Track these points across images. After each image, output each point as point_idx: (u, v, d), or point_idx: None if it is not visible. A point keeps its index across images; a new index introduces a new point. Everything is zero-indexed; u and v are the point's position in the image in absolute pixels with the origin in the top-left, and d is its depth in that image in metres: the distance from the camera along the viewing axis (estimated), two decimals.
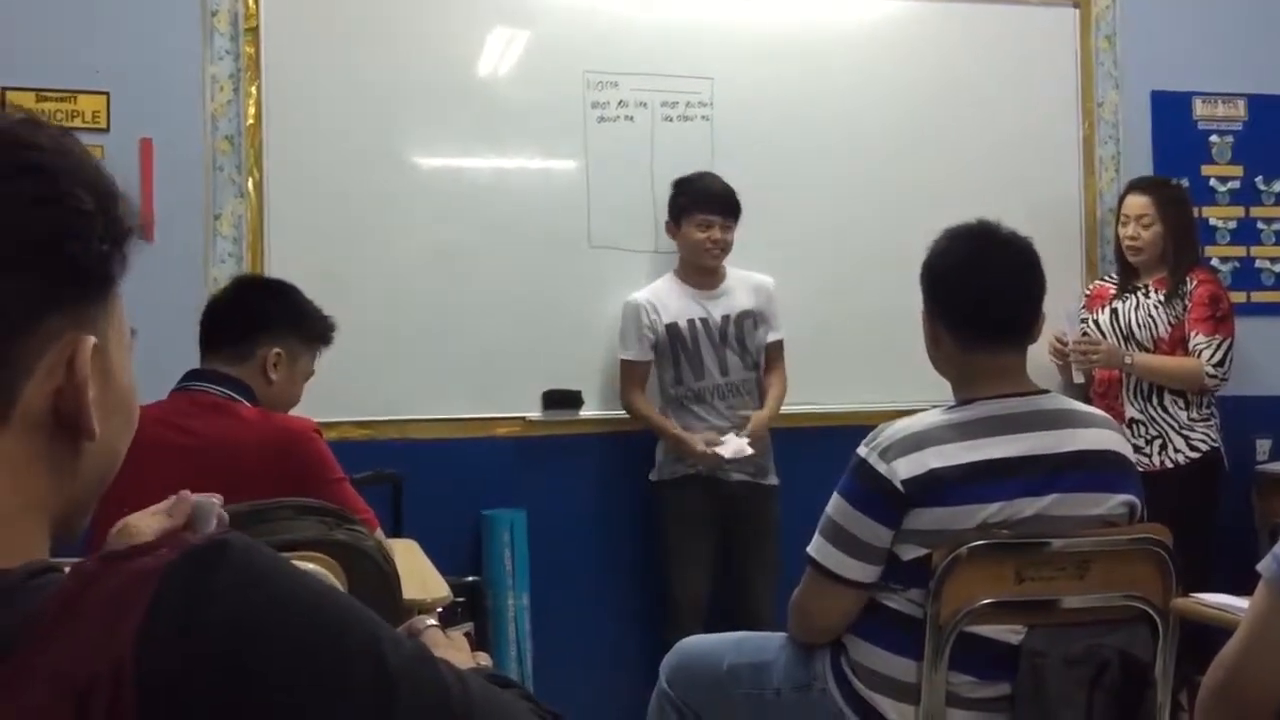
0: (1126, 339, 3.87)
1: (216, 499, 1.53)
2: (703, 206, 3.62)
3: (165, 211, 3.51)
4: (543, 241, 3.84)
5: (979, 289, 2.12)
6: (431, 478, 3.67)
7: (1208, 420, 3.82)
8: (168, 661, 0.67)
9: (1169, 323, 3.83)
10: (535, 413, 3.83)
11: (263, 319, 2.42)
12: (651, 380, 3.75)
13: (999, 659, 2.01)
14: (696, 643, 2.49)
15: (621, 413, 3.80)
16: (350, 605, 0.76)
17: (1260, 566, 1.30)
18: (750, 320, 3.71)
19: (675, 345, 3.66)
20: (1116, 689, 1.99)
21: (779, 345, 3.79)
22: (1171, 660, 2.07)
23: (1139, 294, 3.90)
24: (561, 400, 3.83)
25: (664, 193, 3.79)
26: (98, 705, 0.67)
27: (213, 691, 0.67)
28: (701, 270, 3.69)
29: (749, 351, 3.70)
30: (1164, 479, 3.67)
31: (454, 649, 1.11)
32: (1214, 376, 3.76)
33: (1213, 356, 3.75)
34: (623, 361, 3.71)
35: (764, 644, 2.32)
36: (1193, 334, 3.79)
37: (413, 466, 3.65)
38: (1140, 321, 3.86)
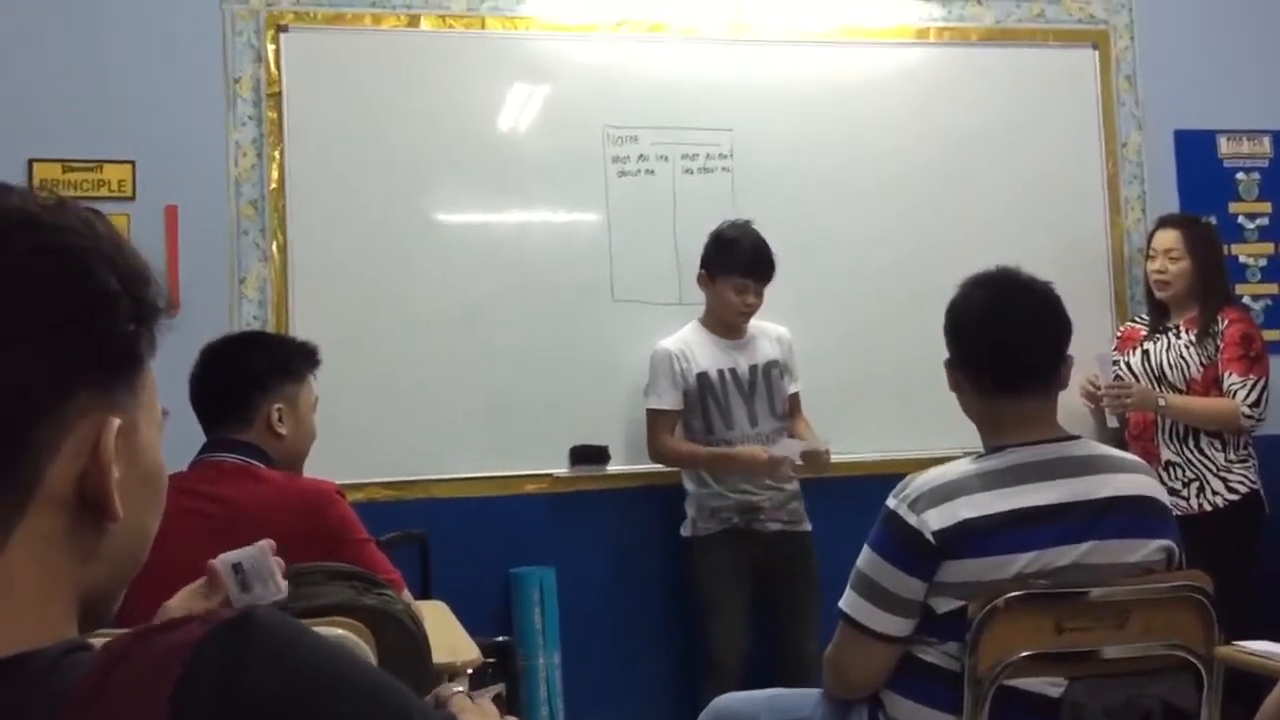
0: (1158, 380, 3.82)
1: (266, 543, 1.51)
2: (740, 269, 3.59)
3: (191, 277, 3.54)
4: (566, 296, 3.85)
5: (997, 336, 2.11)
6: (459, 537, 3.65)
7: (1245, 461, 3.76)
8: None
9: (1201, 363, 3.78)
10: (562, 469, 3.81)
11: (248, 380, 2.36)
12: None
13: (1039, 712, 1.97)
14: (731, 700, 2.46)
15: (649, 466, 3.77)
16: (379, 678, 0.75)
17: None
18: (776, 370, 3.70)
19: (705, 395, 3.64)
20: None
21: (798, 397, 3.78)
22: (1216, 709, 2.02)
23: (1170, 334, 3.86)
24: (589, 456, 3.81)
25: (687, 245, 3.79)
26: None
27: None
28: (729, 325, 3.69)
29: (777, 401, 3.68)
30: (1203, 522, 3.61)
31: (481, 714, 1.09)
32: (1250, 417, 3.71)
33: (1248, 396, 3.70)
34: (652, 411, 3.67)
35: (800, 701, 2.28)
36: (1227, 374, 3.74)
37: (440, 526, 3.63)
38: (1172, 362, 3.81)
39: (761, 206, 3.82)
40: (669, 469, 3.75)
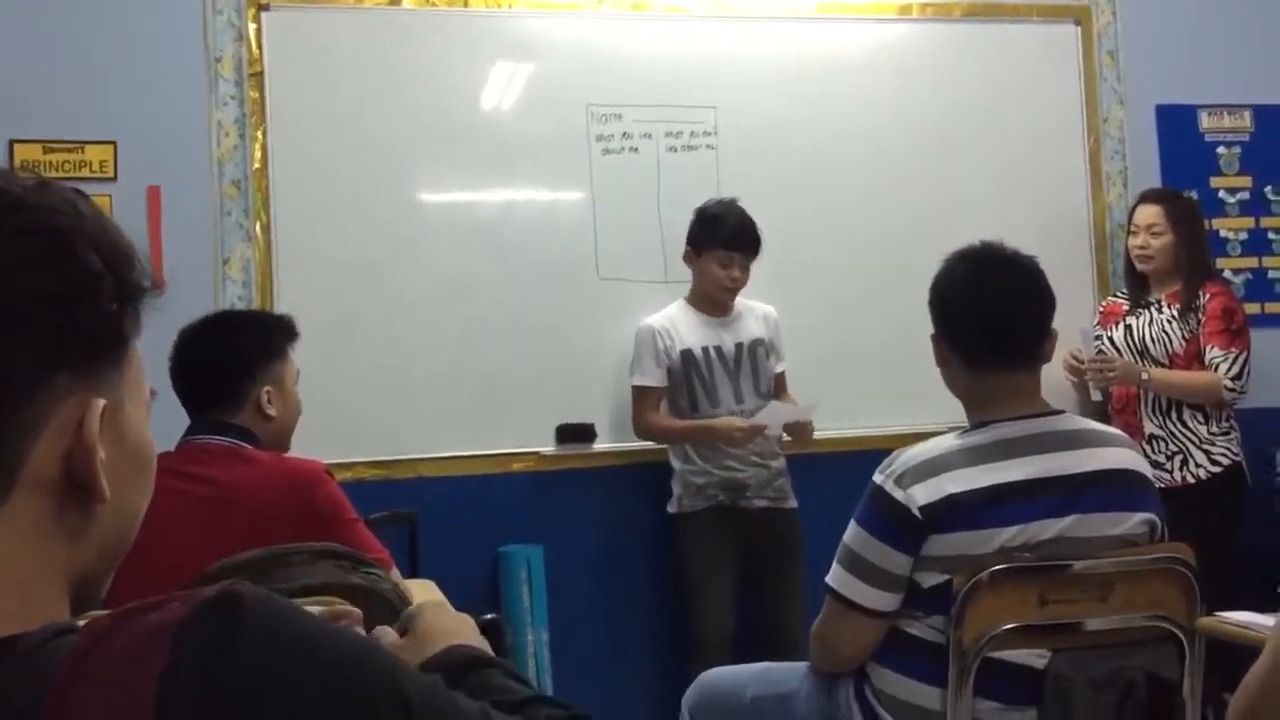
0: (1141, 354, 3.85)
1: None
2: (724, 243, 3.58)
3: (174, 258, 3.52)
4: (551, 274, 3.85)
5: (982, 310, 2.12)
6: (447, 515, 3.66)
7: (1228, 434, 3.79)
8: None
9: (1184, 337, 3.80)
10: (549, 447, 3.82)
11: (236, 366, 2.35)
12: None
13: (1024, 684, 1.99)
14: (719, 675, 2.48)
15: (636, 444, 3.78)
16: (367, 648, 0.75)
17: None
18: (762, 349, 3.70)
19: (690, 373, 3.64)
20: (1143, 710, 1.97)
21: (784, 376, 3.79)
22: (1199, 679, 2.04)
23: (1152, 309, 3.88)
24: (575, 434, 3.82)
25: (671, 222, 3.79)
26: None
27: None
28: (715, 301, 3.69)
29: (761, 380, 3.69)
30: (1186, 494, 3.64)
31: (462, 623, 1.09)
32: (1232, 390, 3.73)
33: (1230, 369, 3.73)
34: (636, 388, 3.68)
35: (787, 675, 2.30)
36: (1209, 348, 3.76)
37: (428, 505, 3.64)
38: (1154, 336, 3.84)
39: (746, 184, 3.82)
40: (656, 446, 3.76)
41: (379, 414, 3.69)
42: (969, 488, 1.99)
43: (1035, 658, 1.99)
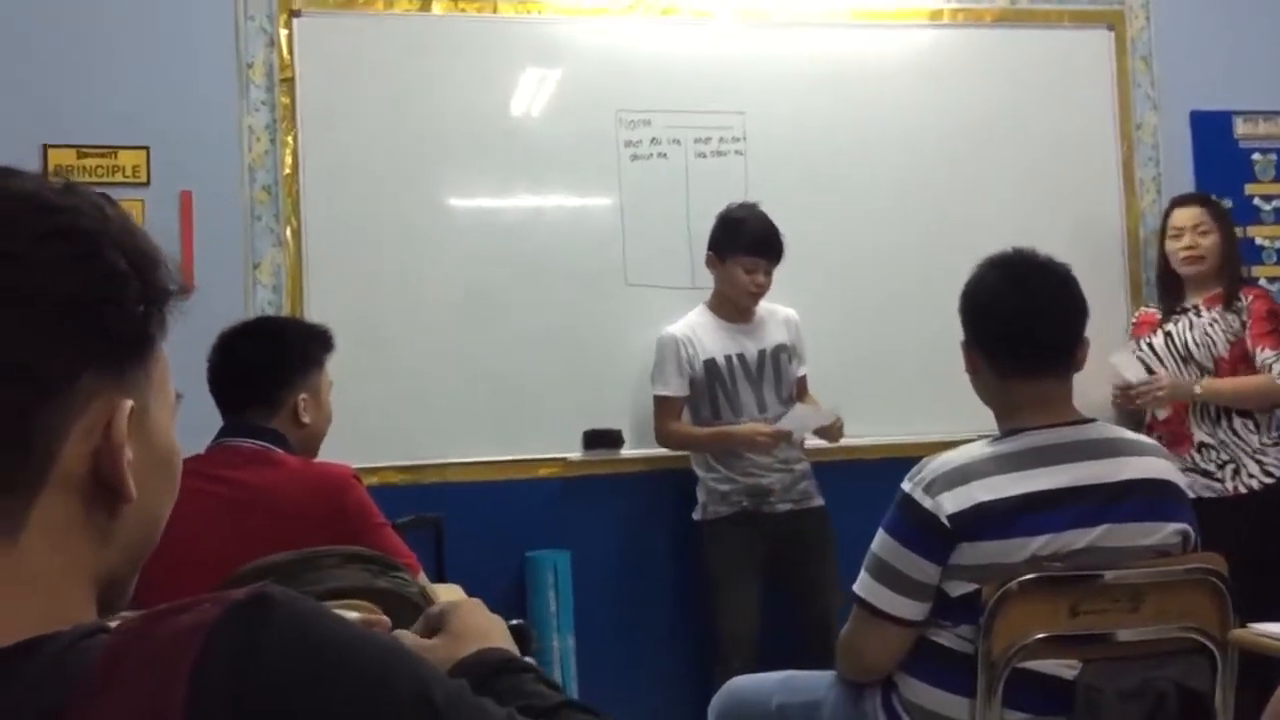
0: (1185, 361, 3.73)
1: None
2: (749, 248, 3.56)
3: (205, 262, 3.55)
4: (579, 280, 3.85)
5: (1015, 316, 2.10)
6: (474, 520, 3.67)
7: (1278, 445, 3.70)
8: None
9: (1228, 341, 3.70)
10: (576, 453, 3.82)
11: (274, 374, 2.38)
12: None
13: (1053, 694, 1.97)
14: (745, 682, 2.47)
15: (662, 450, 3.77)
16: (396, 652, 0.76)
17: None
18: (785, 354, 3.69)
19: (713, 382, 3.63)
20: None
21: (805, 380, 3.78)
22: (1231, 692, 2.01)
23: (1189, 314, 3.79)
24: (602, 440, 3.82)
25: (700, 229, 3.78)
26: None
27: None
28: (738, 307, 3.67)
29: (784, 386, 3.68)
30: (1238, 504, 3.56)
31: (495, 625, 1.09)
32: None
33: None
34: (658, 398, 3.67)
35: (813, 683, 2.29)
36: (1259, 349, 3.66)
37: (455, 509, 3.65)
38: (1198, 341, 3.73)
39: (774, 189, 3.82)
40: (682, 453, 3.75)
41: (406, 419, 3.70)
42: (999, 496, 1.97)
43: (1065, 668, 1.97)
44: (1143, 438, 2.22)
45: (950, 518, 1.97)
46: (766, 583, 3.61)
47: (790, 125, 4.01)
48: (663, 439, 3.70)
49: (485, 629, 1.05)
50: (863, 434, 3.84)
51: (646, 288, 3.89)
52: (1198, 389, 3.66)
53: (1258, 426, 3.69)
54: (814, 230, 3.88)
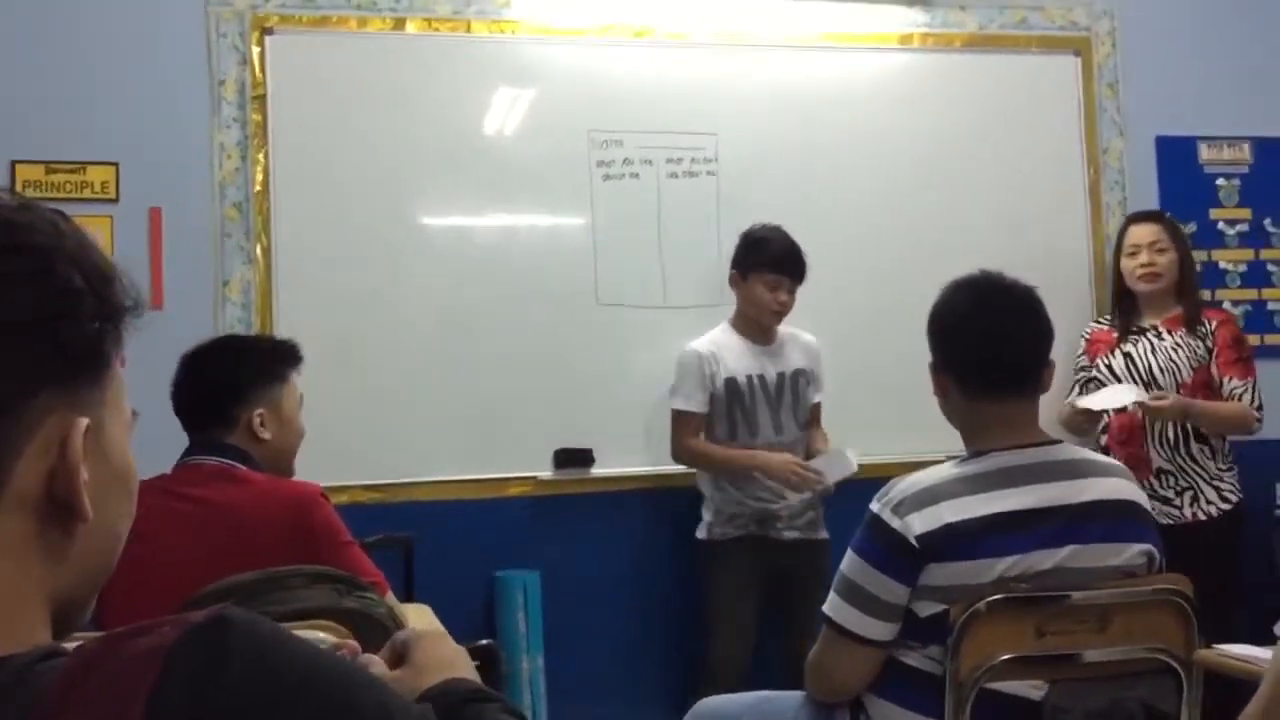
0: (1147, 385, 3.71)
1: None
2: (771, 265, 3.56)
3: (175, 279, 3.53)
4: (551, 299, 3.85)
5: (982, 337, 2.11)
6: (443, 540, 3.65)
7: (1232, 469, 3.73)
8: None
9: (1192, 366, 3.70)
10: (546, 472, 3.81)
11: (227, 391, 2.35)
12: None
13: (1020, 715, 1.98)
14: (715, 702, 2.45)
15: (633, 469, 3.78)
16: (359, 677, 0.75)
17: (1278, 628, 1.28)
18: (803, 379, 3.67)
19: (732, 401, 3.59)
20: None
21: (819, 407, 3.75)
22: (1196, 711, 2.03)
23: (1149, 336, 3.77)
24: (573, 459, 3.81)
25: (671, 248, 3.80)
26: None
27: None
28: (760, 327, 3.64)
29: (801, 411, 3.66)
30: (1196, 531, 3.57)
31: (459, 655, 1.08)
32: (1258, 419, 3.68)
33: (1253, 399, 3.67)
34: (677, 412, 3.62)
35: (783, 704, 2.28)
36: (1227, 378, 3.69)
37: (424, 529, 3.63)
38: (1163, 366, 3.72)
39: (745, 210, 3.83)
40: (654, 471, 3.77)
41: (376, 437, 3.69)
42: (967, 517, 1.98)
43: (1032, 689, 1.98)
44: (1108, 459, 2.25)
45: (919, 538, 1.97)
46: (764, 606, 3.59)
47: (762, 146, 4.04)
48: (679, 454, 3.66)
49: (450, 659, 1.04)
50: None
51: (618, 307, 3.89)
52: (1195, 406, 3.62)
53: (1214, 453, 3.70)
54: None
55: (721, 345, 3.63)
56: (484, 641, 3.41)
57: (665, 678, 3.75)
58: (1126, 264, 3.82)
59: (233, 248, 3.67)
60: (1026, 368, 2.12)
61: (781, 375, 3.64)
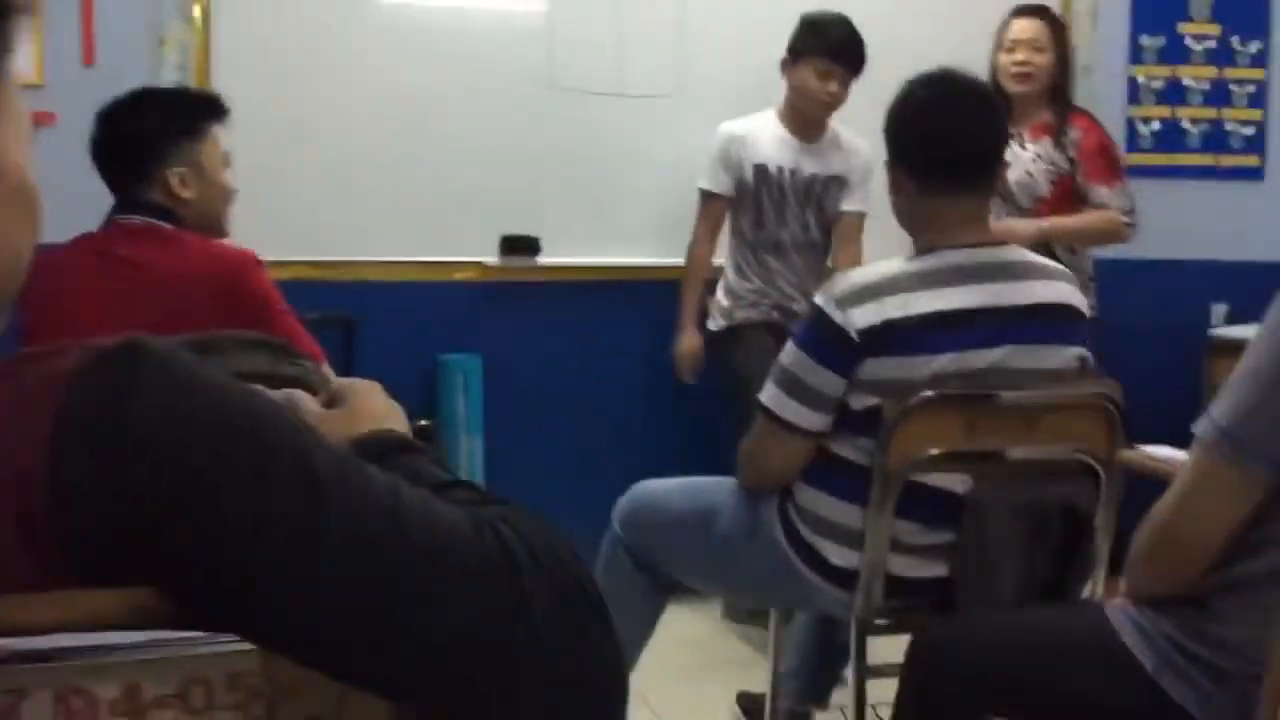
0: (1003, 199, 3.42)
1: None
2: (826, 52, 3.31)
3: (107, 34, 3.36)
4: (504, 82, 3.73)
5: (943, 130, 2.09)
6: (386, 321, 3.63)
7: (1094, 279, 3.55)
8: (82, 469, 0.65)
9: (1050, 181, 3.47)
10: (493, 258, 3.77)
11: (139, 141, 2.24)
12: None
13: (944, 508, 2.03)
14: (649, 487, 2.49)
15: (581, 260, 3.76)
16: (275, 409, 0.73)
17: (1195, 427, 1.30)
18: (836, 185, 3.50)
19: (760, 189, 3.43)
20: (1057, 539, 2.02)
21: (855, 219, 3.52)
22: (1113, 513, 2.09)
23: (1013, 144, 3.36)
24: (519, 246, 3.77)
25: (630, 31, 3.66)
26: (6, 511, 0.65)
27: (133, 499, 0.65)
28: (806, 119, 3.44)
29: (825, 215, 3.52)
30: None
31: (394, 411, 1.06)
32: (1130, 224, 3.47)
33: (1123, 204, 3.47)
34: (700, 191, 3.50)
35: (714, 489, 2.32)
36: (1095, 187, 3.46)
37: (366, 309, 3.61)
38: (1018, 180, 3.45)
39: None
40: (607, 263, 3.75)
41: (320, 214, 3.61)
42: (908, 313, 1.99)
43: (958, 483, 2.03)
44: (1051, 262, 2.24)
45: (860, 333, 1.98)
46: None
47: None
48: (689, 247, 3.56)
49: (383, 412, 1.02)
50: None
51: (573, 92, 3.78)
52: (1045, 225, 3.43)
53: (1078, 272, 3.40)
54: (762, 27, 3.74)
55: (758, 130, 3.45)
56: (423, 422, 3.45)
57: (605, 460, 3.80)
58: (1002, 60, 3.50)
59: (169, 6, 3.49)
60: (984, 157, 2.11)
61: (813, 176, 3.46)
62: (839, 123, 3.51)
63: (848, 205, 3.51)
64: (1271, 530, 1.19)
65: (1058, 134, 3.46)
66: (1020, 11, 3.55)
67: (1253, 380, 1.26)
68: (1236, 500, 1.26)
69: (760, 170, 3.43)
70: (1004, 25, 3.54)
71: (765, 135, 3.45)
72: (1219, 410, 1.28)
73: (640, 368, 3.88)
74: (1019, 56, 3.47)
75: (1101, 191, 3.47)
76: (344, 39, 3.62)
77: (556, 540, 0.77)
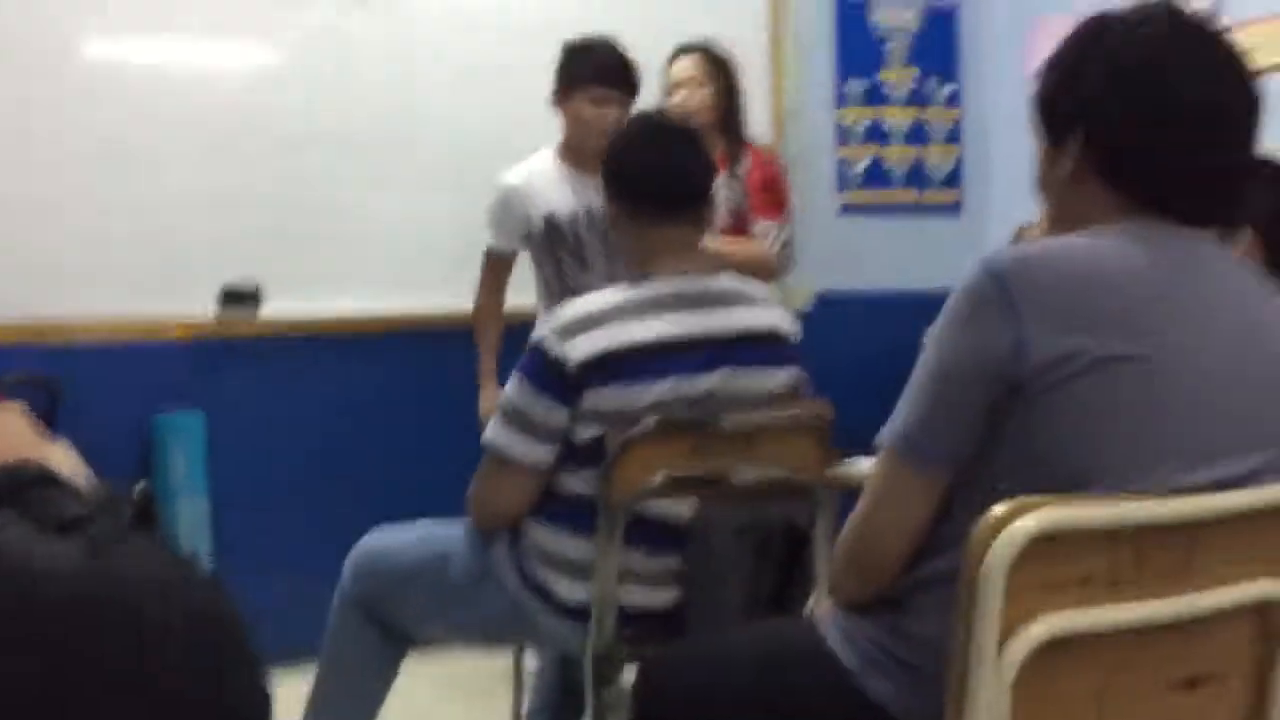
0: None
1: None
2: (600, 78, 3.09)
3: None
4: (226, 130, 3.60)
5: (651, 161, 2.20)
6: (95, 381, 3.41)
7: None
8: None
9: (728, 209, 3.39)
10: (211, 310, 3.60)
11: None
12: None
13: (670, 534, 2.07)
14: (381, 536, 2.42)
15: (308, 314, 3.65)
16: None
17: (877, 437, 1.37)
18: None
19: (554, 240, 3.17)
20: (779, 555, 2.09)
21: None
22: (830, 527, 2.17)
23: None
24: (240, 298, 3.60)
25: (357, 77, 3.61)
26: None
27: None
28: (588, 152, 3.05)
29: None
30: None
31: (26, 437, 0.93)
32: (780, 263, 3.48)
33: (779, 238, 3.47)
34: (485, 250, 3.32)
35: (446, 535, 2.28)
36: (755, 221, 3.44)
37: (75, 368, 3.39)
38: None
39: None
40: (333, 317, 3.67)
41: (20, 268, 3.37)
42: (625, 343, 2.02)
43: (684, 509, 2.07)
44: (760, 288, 2.33)
45: (578, 364, 2.00)
46: None
47: None
48: (476, 306, 3.40)
49: (24, 442, 0.87)
50: None
51: (300, 138, 3.68)
52: (710, 252, 3.20)
53: None
54: None
55: (538, 176, 3.19)
56: (140, 484, 3.24)
57: (343, 519, 3.67)
58: (670, 102, 3.47)
59: None
60: (693, 190, 2.20)
61: None
62: None
63: None
64: (954, 528, 1.25)
65: (731, 165, 3.43)
66: (679, 52, 3.53)
67: (923, 386, 1.33)
68: (919, 502, 1.33)
69: (550, 221, 3.18)
70: (665, 69, 3.51)
71: (546, 180, 3.20)
72: (899, 418, 1.34)
73: (375, 419, 3.79)
74: (676, 99, 3.45)
75: (761, 224, 3.47)
76: (47, 87, 3.42)
77: (191, 573, 0.71)
